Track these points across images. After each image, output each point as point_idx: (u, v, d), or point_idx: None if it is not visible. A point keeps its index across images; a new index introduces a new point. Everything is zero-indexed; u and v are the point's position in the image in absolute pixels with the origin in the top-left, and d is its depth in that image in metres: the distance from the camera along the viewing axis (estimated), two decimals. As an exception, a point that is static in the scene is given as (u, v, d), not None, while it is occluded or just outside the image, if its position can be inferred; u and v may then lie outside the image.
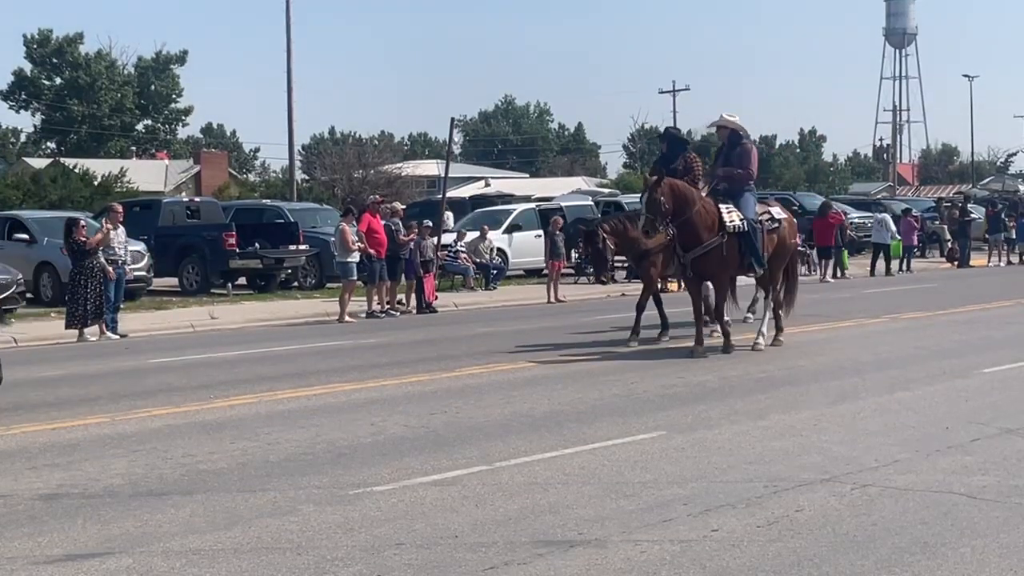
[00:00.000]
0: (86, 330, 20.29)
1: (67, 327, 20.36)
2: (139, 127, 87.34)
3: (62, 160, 59.89)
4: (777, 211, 17.46)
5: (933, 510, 8.06)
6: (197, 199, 39.38)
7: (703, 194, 16.76)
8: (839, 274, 34.94)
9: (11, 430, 11.49)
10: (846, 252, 36.52)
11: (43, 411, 12.62)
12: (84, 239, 20.50)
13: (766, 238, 16.92)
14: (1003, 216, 41.80)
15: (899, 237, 36.90)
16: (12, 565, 7.11)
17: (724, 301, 16.97)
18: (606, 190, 60.49)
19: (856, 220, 42.39)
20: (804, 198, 47.84)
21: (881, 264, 36.35)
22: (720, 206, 16.36)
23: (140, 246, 26.64)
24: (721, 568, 6.88)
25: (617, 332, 19.85)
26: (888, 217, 37.99)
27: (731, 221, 16.27)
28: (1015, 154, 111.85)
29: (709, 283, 17.35)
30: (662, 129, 19.16)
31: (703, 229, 16.16)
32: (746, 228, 16.35)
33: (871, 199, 59.73)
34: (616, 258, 21.17)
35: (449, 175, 37.10)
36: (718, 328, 17.39)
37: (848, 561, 6.96)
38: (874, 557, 7.02)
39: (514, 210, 36.04)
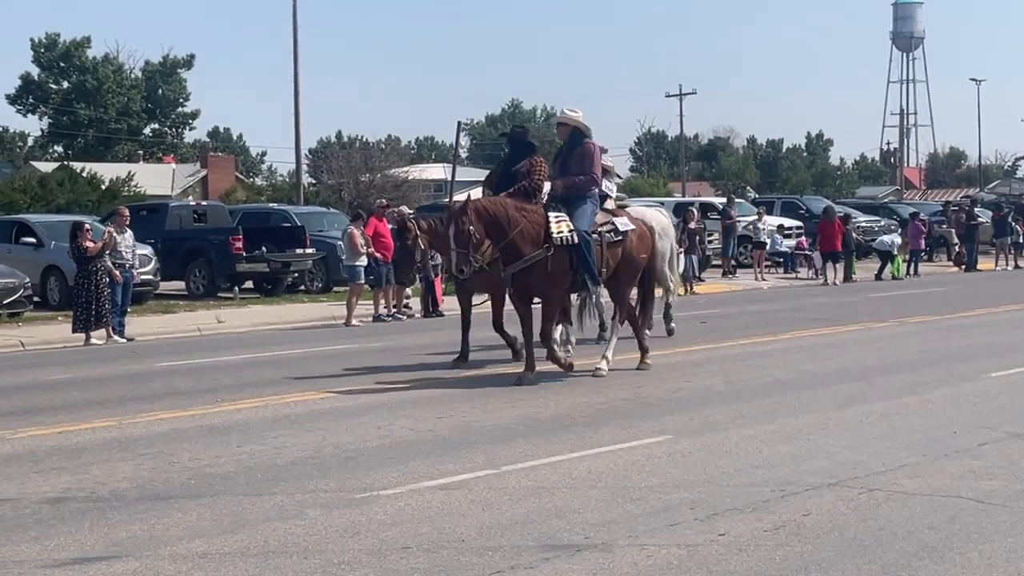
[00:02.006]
0: (93, 334, 20.32)
1: (74, 331, 20.39)
2: (146, 131, 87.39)
3: (69, 164, 59.92)
4: (623, 222, 15.30)
5: (940, 514, 8.04)
6: (204, 203, 39.44)
7: (541, 202, 14.91)
8: (848, 278, 34.91)
9: (18, 433, 11.51)
10: (855, 256, 36.49)
11: (50, 415, 12.63)
12: (86, 245, 20.50)
13: (606, 252, 14.91)
14: (1010, 220, 41.72)
15: (895, 253, 36.65)
16: (20, 568, 7.12)
17: (551, 323, 14.72)
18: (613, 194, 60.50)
19: (863, 224, 42.34)
20: (811, 202, 47.82)
21: (888, 269, 36.30)
22: (550, 215, 14.49)
23: (147, 250, 26.67)
24: (728, 572, 6.87)
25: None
26: (894, 235, 37.99)
27: (559, 232, 14.33)
28: (1022, 158, 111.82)
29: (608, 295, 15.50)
30: (509, 129, 16.80)
31: (527, 243, 14.27)
32: (576, 240, 14.36)
33: (878, 203, 59.75)
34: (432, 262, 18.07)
35: (456, 179, 37.09)
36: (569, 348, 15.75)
37: (855, 566, 6.95)
38: (881, 562, 7.01)
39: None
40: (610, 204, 16.86)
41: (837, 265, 34.56)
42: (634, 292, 15.90)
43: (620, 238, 15.13)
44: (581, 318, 17.10)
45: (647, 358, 15.45)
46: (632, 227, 15.36)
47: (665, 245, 18.03)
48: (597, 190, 15.17)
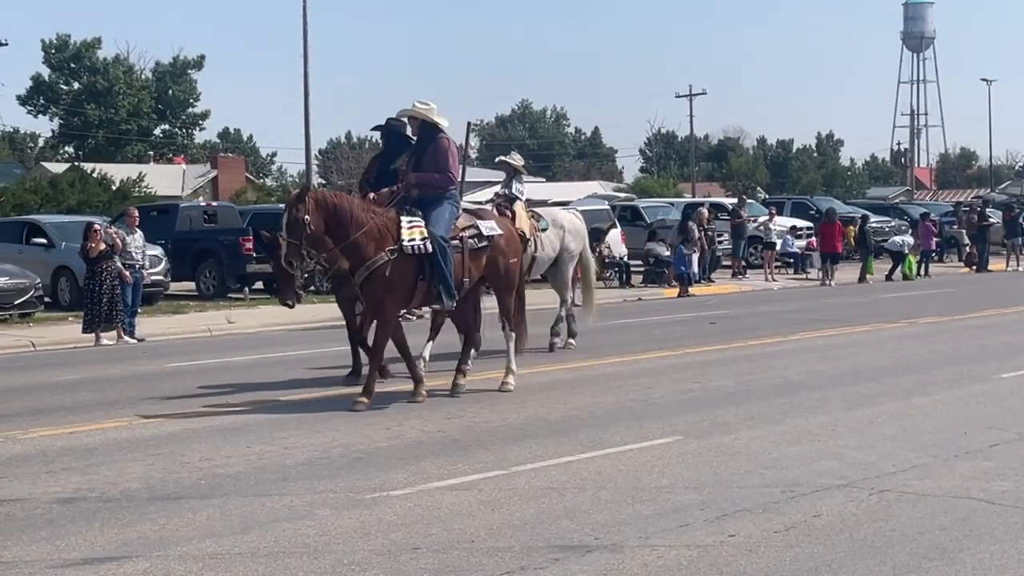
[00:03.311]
0: (103, 334, 20.35)
1: (84, 331, 20.42)
2: (156, 132, 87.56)
3: (80, 165, 60.08)
4: (489, 225, 13.75)
5: (951, 515, 8.02)
6: (214, 203, 39.47)
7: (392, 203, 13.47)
8: (863, 279, 34.91)
9: (29, 434, 11.53)
10: (872, 257, 36.44)
11: (61, 415, 12.65)
12: (90, 246, 20.52)
13: (469, 260, 13.43)
14: (1021, 220, 41.62)
15: (907, 253, 36.62)
16: (30, 568, 7.13)
17: (386, 338, 13.05)
18: (623, 194, 60.56)
19: (874, 225, 42.28)
20: (821, 202, 47.77)
21: (898, 270, 36.28)
22: (402, 218, 13.01)
23: (157, 250, 26.70)
24: (738, 573, 6.86)
25: (629, 338, 19.86)
26: (906, 236, 37.91)
27: (410, 238, 12.85)
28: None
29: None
30: (383, 121, 14.66)
31: (372, 246, 12.80)
32: (428, 247, 12.88)
33: (888, 204, 59.66)
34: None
35: (465, 179, 37.13)
36: (469, 364, 14.29)
37: (866, 567, 6.93)
38: (892, 563, 7.00)
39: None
40: (520, 205, 16.79)
41: (835, 266, 34.64)
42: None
43: (485, 244, 13.60)
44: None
45: (509, 379, 13.75)
46: (499, 231, 13.85)
47: (575, 247, 17.86)
48: (456, 190, 13.72)
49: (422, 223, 13.00)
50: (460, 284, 13.32)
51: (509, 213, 16.32)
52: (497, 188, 17.81)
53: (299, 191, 13.03)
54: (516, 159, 17.94)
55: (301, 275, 13.29)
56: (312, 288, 14.22)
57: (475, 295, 14.54)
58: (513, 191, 17.16)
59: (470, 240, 13.47)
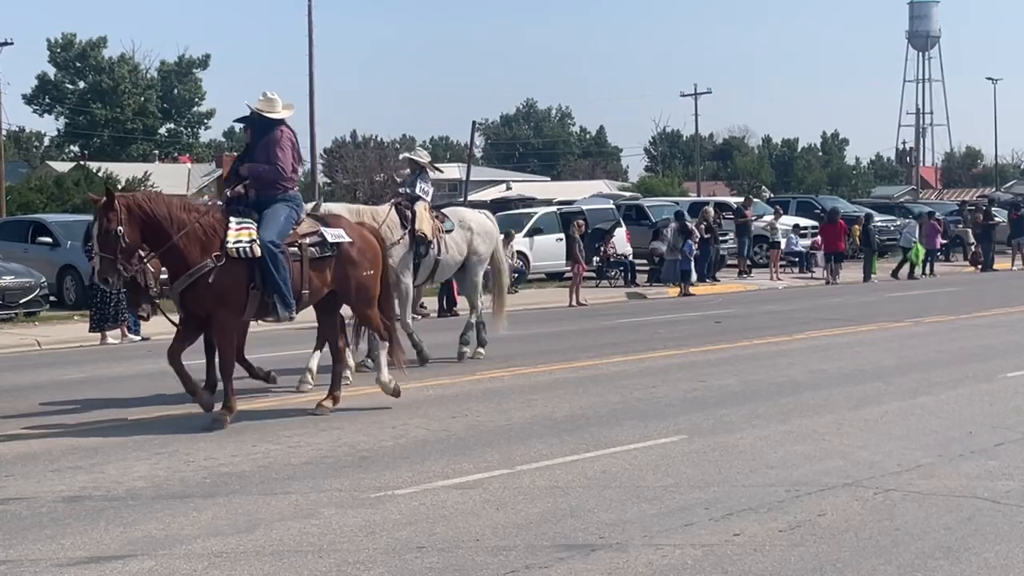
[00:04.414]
0: (108, 333, 20.37)
1: (90, 330, 20.44)
2: (162, 131, 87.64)
3: (85, 164, 60.12)
4: (336, 232, 12.48)
5: (956, 515, 8.02)
6: (219, 203, 39.42)
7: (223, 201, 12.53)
8: (867, 278, 34.93)
9: (34, 432, 11.54)
10: (876, 256, 36.46)
11: (66, 414, 12.66)
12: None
13: (309, 269, 12.24)
14: (1027, 219, 41.57)
15: (915, 241, 36.67)
16: (35, 567, 7.14)
17: (230, 356, 12.16)
18: (628, 193, 60.50)
19: (879, 224, 42.25)
20: (826, 201, 47.76)
21: (905, 268, 36.28)
22: (232, 220, 11.91)
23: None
24: (743, 572, 6.86)
25: (634, 337, 19.85)
26: (914, 223, 37.84)
27: (236, 242, 11.74)
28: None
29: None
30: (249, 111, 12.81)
31: (195, 251, 11.66)
32: (257, 253, 11.79)
33: (894, 203, 59.59)
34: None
35: (470, 179, 37.16)
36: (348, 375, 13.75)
37: (871, 566, 6.93)
38: (897, 562, 6.99)
39: (535, 213, 36.05)
40: (422, 206, 15.98)
41: (839, 265, 34.71)
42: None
43: (329, 253, 12.40)
44: (357, 340, 15.43)
45: (327, 403, 12.45)
46: (348, 239, 12.53)
47: (485, 250, 16.98)
48: (294, 190, 12.59)
49: (253, 225, 11.92)
50: (299, 295, 12.13)
51: (409, 213, 15.75)
52: (405, 188, 16.68)
53: (106, 197, 11.47)
54: (422, 155, 17.17)
55: (154, 284, 12.55)
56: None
57: (336, 308, 13.07)
58: (417, 190, 16.29)
59: (311, 248, 12.27)
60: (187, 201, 12.42)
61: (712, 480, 9.06)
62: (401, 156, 19.10)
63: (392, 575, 6.90)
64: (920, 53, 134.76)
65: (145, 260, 12.02)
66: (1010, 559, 7.07)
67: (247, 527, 7.92)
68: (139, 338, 20.71)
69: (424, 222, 15.89)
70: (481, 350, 17.08)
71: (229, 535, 7.73)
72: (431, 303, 26.22)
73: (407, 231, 15.75)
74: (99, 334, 20.34)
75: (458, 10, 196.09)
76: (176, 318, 12.36)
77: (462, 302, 26.57)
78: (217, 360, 12.41)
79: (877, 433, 10.86)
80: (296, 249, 12.16)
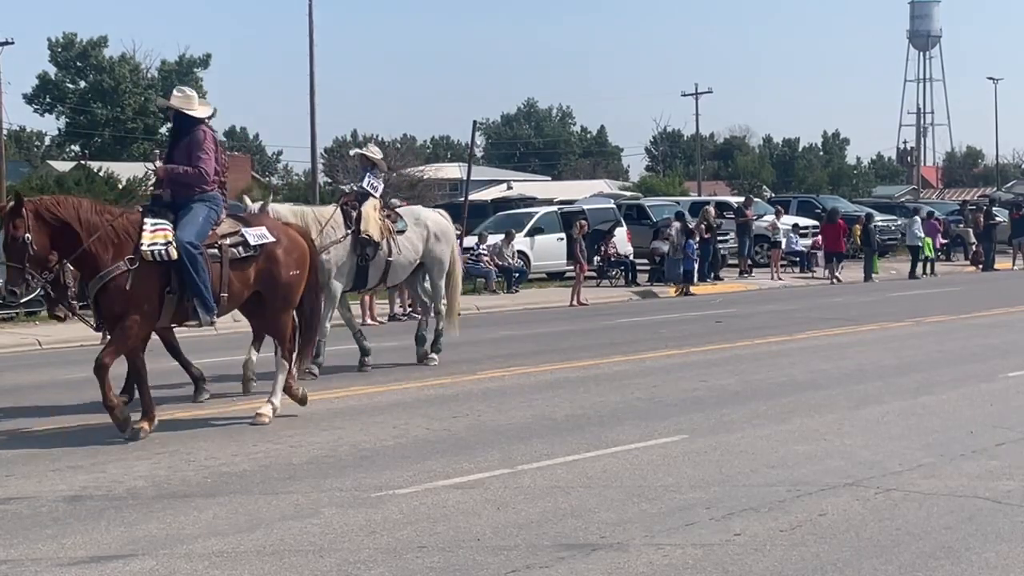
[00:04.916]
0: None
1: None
2: (163, 130, 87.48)
3: (86, 163, 60.13)
4: (259, 233, 11.98)
5: (957, 515, 8.02)
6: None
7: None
8: (868, 277, 34.97)
9: (35, 432, 11.55)
10: (876, 256, 36.48)
11: (67, 413, 12.67)
12: None
13: (230, 271, 11.76)
14: (1027, 219, 41.57)
15: (920, 235, 36.77)
16: (36, 567, 7.15)
17: (140, 369, 11.75)
18: (628, 193, 60.51)
19: (880, 223, 42.25)
20: (827, 201, 47.76)
21: (916, 266, 36.40)
22: (147, 221, 11.40)
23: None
24: (744, 572, 6.86)
25: (635, 337, 19.84)
26: (917, 219, 37.84)
27: (151, 243, 11.21)
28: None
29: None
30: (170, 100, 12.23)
31: (108, 254, 11.14)
32: (173, 253, 11.27)
33: (895, 202, 59.59)
34: None
35: (471, 178, 37.16)
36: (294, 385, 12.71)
37: (872, 566, 6.93)
38: (898, 562, 6.99)
39: (536, 213, 36.06)
40: (370, 205, 15.46)
41: (840, 264, 34.77)
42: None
43: (252, 253, 11.91)
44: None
45: (264, 410, 11.96)
46: (272, 238, 12.04)
47: (443, 250, 16.34)
48: (214, 190, 12.02)
49: (169, 227, 11.40)
50: (218, 299, 11.67)
51: (355, 214, 15.32)
52: (351, 185, 16.10)
53: (13, 203, 10.87)
54: (374, 152, 16.60)
55: (72, 284, 11.90)
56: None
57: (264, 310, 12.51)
58: (366, 187, 15.80)
59: (232, 249, 11.79)
60: (100, 203, 11.90)
61: (713, 480, 9.06)
62: (351, 152, 18.62)
63: (393, 575, 6.90)
64: (921, 53, 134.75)
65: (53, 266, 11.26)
66: (1011, 559, 7.07)
67: (248, 527, 7.92)
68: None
69: (370, 222, 15.38)
70: (434, 356, 16.33)
71: (230, 534, 7.73)
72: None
73: (350, 232, 15.29)
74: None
75: (459, 10, 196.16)
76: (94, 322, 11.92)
77: (469, 302, 26.62)
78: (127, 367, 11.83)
79: (878, 433, 10.86)
80: (216, 250, 11.68)
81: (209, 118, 12.29)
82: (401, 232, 15.90)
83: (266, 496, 8.76)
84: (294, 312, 12.48)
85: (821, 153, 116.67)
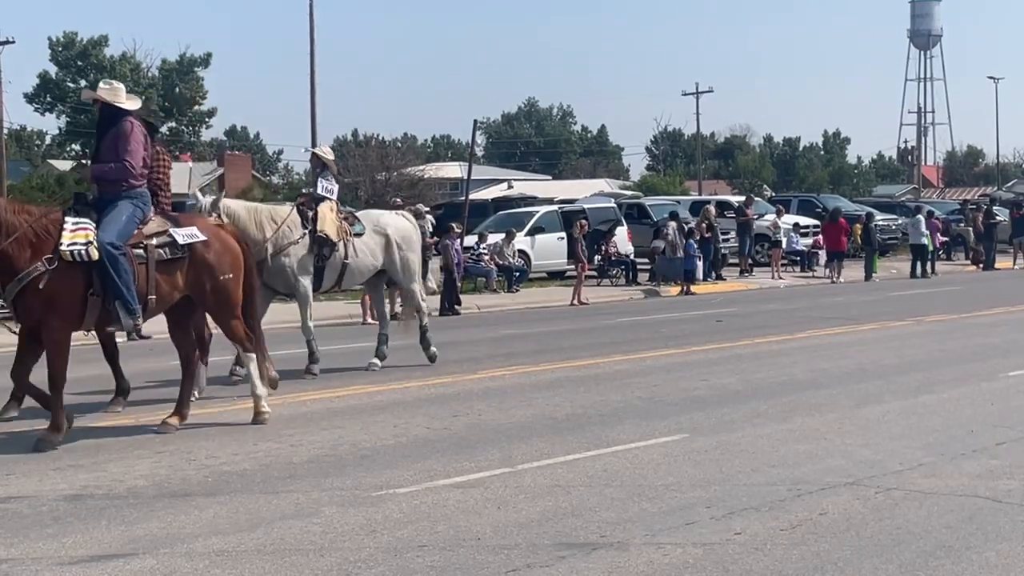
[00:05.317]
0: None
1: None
2: (163, 129, 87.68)
3: (87, 162, 60.21)
4: (188, 232, 11.44)
5: (958, 514, 8.02)
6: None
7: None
8: (868, 277, 34.98)
9: (35, 431, 11.54)
10: (877, 255, 36.50)
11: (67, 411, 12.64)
12: None
13: (157, 272, 11.18)
14: (1028, 218, 41.57)
15: (925, 234, 36.79)
16: (37, 565, 7.15)
17: (62, 367, 11.02)
18: (629, 192, 60.54)
19: (881, 223, 42.26)
20: (828, 200, 47.77)
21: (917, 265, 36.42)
22: (68, 220, 10.87)
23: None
24: (744, 571, 6.86)
25: (636, 336, 19.86)
26: (921, 218, 37.85)
27: (71, 243, 10.69)
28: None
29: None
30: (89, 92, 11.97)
31: (26, 256, 10.65)
32: (94, 255, 10.74)
33: (895, 201, 59.59)
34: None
35: (472, 177, 37.18)
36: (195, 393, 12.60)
37: (872, 565, 6.93)
38: (898, 561, 6.99)
39: (536, 212, 36.08)
40: (327, 206, 15.19)
41: (842, 264, 34.83)
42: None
43: (180, 254, 11.35)
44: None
45: (173, 419, 11.45)
46: (203, 237, 11.49)
47: (407, 255, 15.96)
48: (142, 187, 11.44)
49: (91, 226, 10.87)
50: (145, 302, 11.13)
51: (311, 214, 15.10)
52: (308, 188, 15.91)
53: None
54: (326, 152, 16.33)
55: None
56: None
57: (193, 316, 12.32)
58: (320, 189, 15.50)
59: (159, 249, 11.22)
60: (19, 203, 11.43)
61: (713, 479, 9.06)
62: (304, 150, 18.59)
63: (393, 574, 6.90)
64: (922, 52, 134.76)
65: None
66: (1011, 558, 7.07)
67: (249, 525, 7.92)
68: (140, 337, 20.68)
69: (327, 223, 15.12)
70: (377, 362, 15.93)
71: (231, 533, 7.73)
72: (433, 302, 26.17)
73: (308, 232, 15.06)
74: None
75: (460, 9, 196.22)
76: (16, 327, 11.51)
77: (469, 301, 26.65)
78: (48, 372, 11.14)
79: (879, 432, 10.86)
80: (142, 251, 11.13)
81: (159, 117, 11.81)
82: (358, 235, 15.59)
83: (267, 495, 8.76)
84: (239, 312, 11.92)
85: (822, 152, 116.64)
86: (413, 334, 16.36)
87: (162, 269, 11.26)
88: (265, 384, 12.04)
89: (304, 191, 16.36)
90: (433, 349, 16.20)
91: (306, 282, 15.22)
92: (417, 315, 16.33)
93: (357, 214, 16.30)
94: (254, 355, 11.99)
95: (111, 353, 13.04)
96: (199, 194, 15.41)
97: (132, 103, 11.62)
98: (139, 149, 11.32)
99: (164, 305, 11.55)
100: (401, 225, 16.16)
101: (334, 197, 15.66)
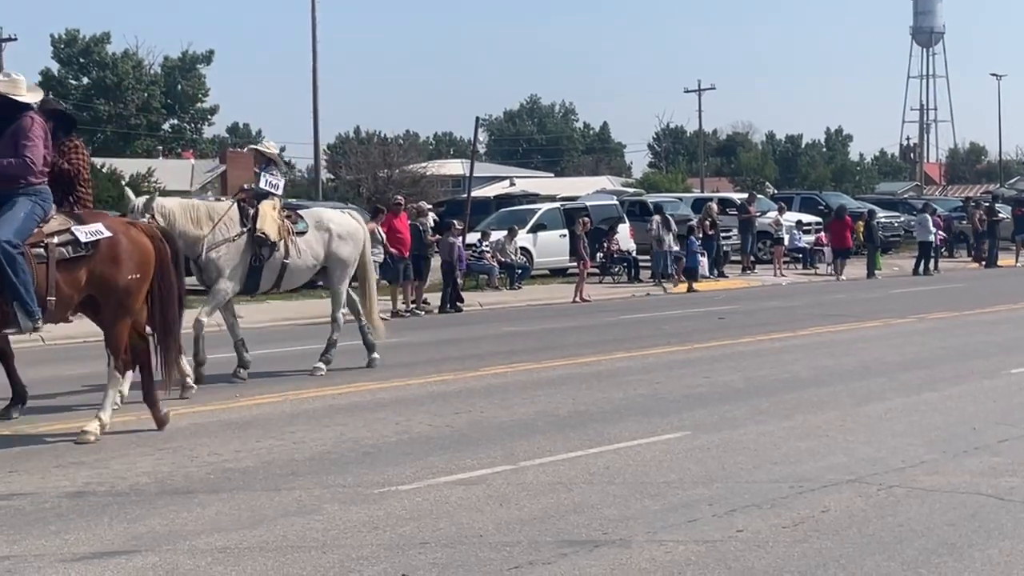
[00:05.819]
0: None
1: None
2: (165, 126, 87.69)
3: (89, 160, 60.19)
4: (91, 230, 10.81)
5: (960, 511, 8.01)
6: (223, 198, 39.48)
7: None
8: (871, 274, 35.01)
9: (38, 428, 11.55)
10: (879, 252, 36.54)
11: (70, 409, 12.67)
12: None
13: (57, 271, 10.61)
14: (1031, 215, 41.56)
15: (932, 231, 36.86)
16: (39, 562, 7.15)
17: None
18: (631, 189, 60.53)
19: (883, 220, 42.25)
20: (830, 197, 47.77)
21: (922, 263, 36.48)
22: None
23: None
24: (746, 568, 6.86)
25: (638, 333, 19.85)
26: (926, 216, 37.83)
27: None
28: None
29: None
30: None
31: None
32: None
33: (897, 199, 59.58)
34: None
35: (474, 175, 37.19)
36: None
37: (874, 562, 6.93)
38: (900, 559, 6.99)
39: (539, 210, 36.08)
40: (269, 204, 14.75)
41: (846, 261, 34.78)
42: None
43: (83, 252, 10.75)
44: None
45: (100, 420, 10.92)
46: (107, 234, 10.87)
47: (345, 250, 15.32)
48: (42, 183, 10.83)
49: None
50: (44, 303, 10.56)
51: (252, 211, 14.65)
52: (250, 185, 15.43)
53: None
54: (269, 147, 15.86)
55: None
56: None
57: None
58: (263, 185, 15.07)
59: (60, 248, 10.63)
60: None
61: (716, 476, 9.06)
62: (246, 148, 18.14)
63: (395, 571, 6.90)
64: (924, 49, 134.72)
65: None
66: (1014, 555, 7.06)
67: (251, 523, 7.92)
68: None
69: (267, 221, 14.62)
70: (375, 355, 15.64)
71: (233, 531, 7.73)
72: (434, 299, 26.19)
73: (246, 230, 14.60)
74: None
75: (462, 6, 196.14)
76: None
77: (472, 298, 26.66)
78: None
79: (881, 429, 10.86)
80: (42, 250, 10.54)
81: (68, 110, 11.16)
82: (301, 234, 15.08)
83: (269, 492, 8.76)
84: (135, 321, 11.30)
85: (824, 149, 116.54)
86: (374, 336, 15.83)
87: (63, 269, 10.67)
88: (171, 389, 11.63)
89: (245, 186, 15.85)
90: (322, 365, 15.17)
91: (226, 284, 14.72)
92: (332, 324, 15.54)
93: (301, 212, 15.85)
94: (120, 377, 11.34)
95: (6, 358, 12.31)
96: (131, 194, 15.03)
97: (32, 96, 11.02)
98: (39, 145, 10.70)
99: (66, 307, 10.93)
100: (346, 223, 15.62)
101: (279, 192, 15.24)
